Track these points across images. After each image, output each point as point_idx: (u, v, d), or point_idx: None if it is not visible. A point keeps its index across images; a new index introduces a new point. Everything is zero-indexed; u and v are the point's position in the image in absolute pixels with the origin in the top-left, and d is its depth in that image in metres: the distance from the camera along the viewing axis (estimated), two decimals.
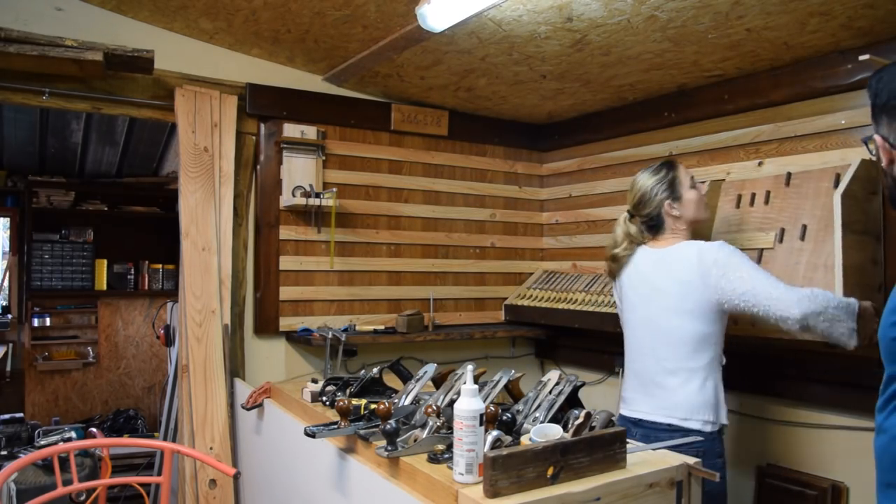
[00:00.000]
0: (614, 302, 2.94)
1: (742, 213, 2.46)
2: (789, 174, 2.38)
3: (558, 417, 1.60)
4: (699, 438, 1.88)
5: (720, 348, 2.06)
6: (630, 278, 2.21)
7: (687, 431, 1.94)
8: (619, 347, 2.31)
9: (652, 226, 2.19)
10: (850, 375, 2.30)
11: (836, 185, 2.19)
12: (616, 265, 2.26)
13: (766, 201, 2.41)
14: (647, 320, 2.13)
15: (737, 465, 2.53)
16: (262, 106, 2.94)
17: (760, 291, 1.88)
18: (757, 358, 2.54)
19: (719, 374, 2.05)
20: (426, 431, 1.51)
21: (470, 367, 1.38)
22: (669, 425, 1.99)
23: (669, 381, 2.03)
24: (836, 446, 2.32)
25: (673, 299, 2.04)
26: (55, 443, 2.72)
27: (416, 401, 1.78)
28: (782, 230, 2.31)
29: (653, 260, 2.15)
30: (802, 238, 2.25)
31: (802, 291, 1.86)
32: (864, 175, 2.17)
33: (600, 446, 1.35)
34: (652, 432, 2.00)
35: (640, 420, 2.08)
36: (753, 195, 2.46)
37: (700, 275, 1.98)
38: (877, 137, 1.16)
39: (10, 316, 4.96)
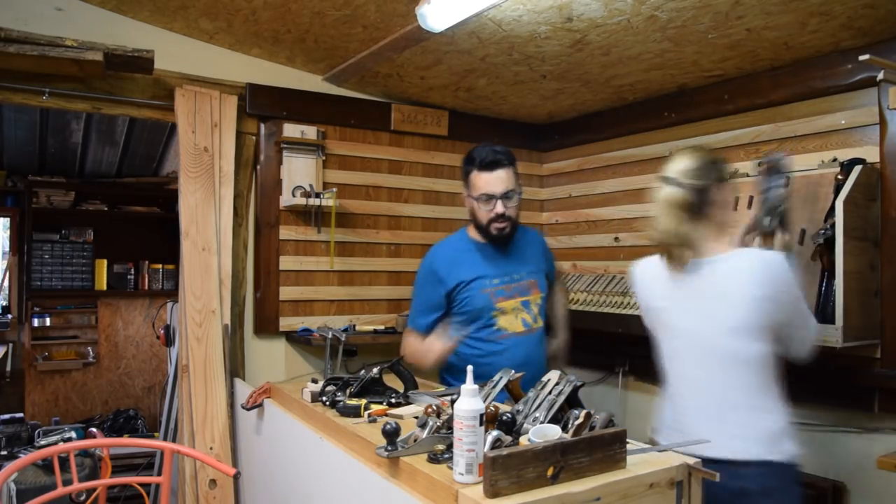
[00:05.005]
0: (615, 302, 2.93)
1: (739, 215, 2.46)
2: (787, 178, 2.38)
3: (558, 417, 1.60)
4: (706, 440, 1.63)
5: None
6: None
7: None
8: (619, 348, 2.30)
9: None
10: (849, 376, 2.30)
11: (836, 190, 2.19)
12: None
13: None
14: None
15: None
16: (262, 106, 2.93)
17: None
18: None
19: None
20: (426, 431, 1.51)
21: (470, 367, 1.38)
22: None
23: None
24: (836, 446, 2.32)
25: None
26: (55, 443, 2.71)
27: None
28: None
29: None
30: (801, 242, 2.25)
31: None
32: (865, 181, 2.17)
33: (600, 446, 1.35)
34: None
35: None
36: (751, 198, 2.45)
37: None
38: None
39: (10, 316, 4.95)
